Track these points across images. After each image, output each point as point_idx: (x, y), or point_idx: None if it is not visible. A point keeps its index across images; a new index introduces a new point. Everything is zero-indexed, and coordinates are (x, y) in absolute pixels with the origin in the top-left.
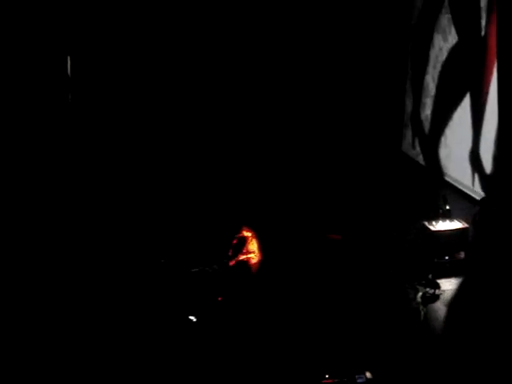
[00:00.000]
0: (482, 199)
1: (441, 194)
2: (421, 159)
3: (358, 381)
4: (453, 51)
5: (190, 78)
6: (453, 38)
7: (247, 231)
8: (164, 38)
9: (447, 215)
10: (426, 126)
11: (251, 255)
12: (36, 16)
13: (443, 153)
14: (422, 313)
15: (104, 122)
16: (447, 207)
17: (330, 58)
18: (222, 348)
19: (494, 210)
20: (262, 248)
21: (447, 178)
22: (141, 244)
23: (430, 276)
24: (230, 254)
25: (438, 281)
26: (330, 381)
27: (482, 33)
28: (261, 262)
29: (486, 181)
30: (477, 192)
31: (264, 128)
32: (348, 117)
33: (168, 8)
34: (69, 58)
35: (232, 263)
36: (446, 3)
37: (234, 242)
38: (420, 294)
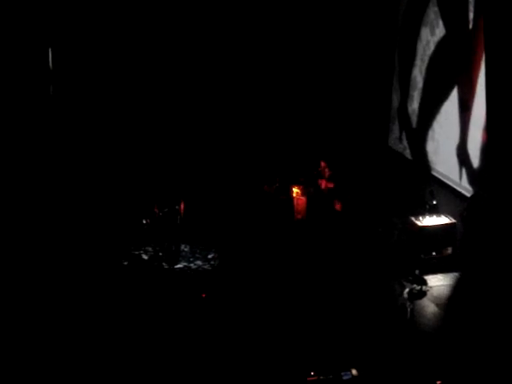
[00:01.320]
0: (471, 196)
1: (428, 189)
2: (408, 154)
3: (344, 378)
4: (440, 44)
5: (177, 68)
6: (440, 32)
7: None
8: (149, 29)
9: (434, 210)
10: (414, 119)
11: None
12: (17, 9)
13: (431, 147)
14: (409, 309)
15: (86, 114)
16: (434, 202)
17: (317, 53)
18: (209, 344)
19: (482, 205)
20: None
21: (434, 173)
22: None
23: (417, 272)
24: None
25: (425, 277)
26: (315, 378)
27: (470, 26)
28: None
29: (473, 175)
30: (464, 187)
31: (251, 123)
32: (334, 111)
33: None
34: (50, 50)
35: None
36: None
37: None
38: (407, 290)
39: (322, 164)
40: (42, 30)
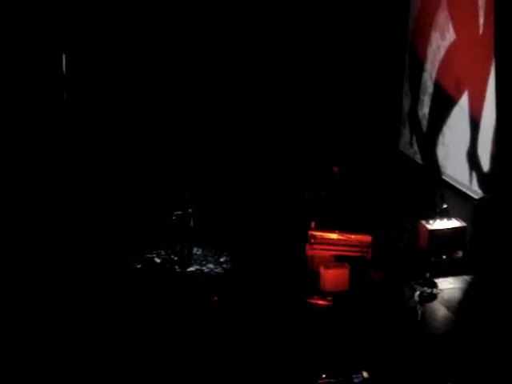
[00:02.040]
0: (481, 198)
1: (438, 193)
2: (418, 158)
3: (355, 380)
4: (450, 49)
5: (182, 80)
6: (450, 36)
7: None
8: (159, 36)
9: (445, 214)
10: (424, 124)
11: None
12: (32, 15)
13: (441, 151)
14: (420, 312)
15: (98, 119)
16: (445, 206)
17: (328, 57)
18: (221, 347)
19: (493, 210)
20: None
21: (445, 177)
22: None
23: (428, 275)
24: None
25: (436, 280)
26: (326, 380)
27: (480, 31)
28: None
29: (483, 179)
30: (474, 191)
31: (262, 126)
32: (345, 115)
33: (165, 6)
34: (64, 56)
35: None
36: (444, 1)
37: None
38: (417, 293)
39: (335, 169)
40: (57, 37)
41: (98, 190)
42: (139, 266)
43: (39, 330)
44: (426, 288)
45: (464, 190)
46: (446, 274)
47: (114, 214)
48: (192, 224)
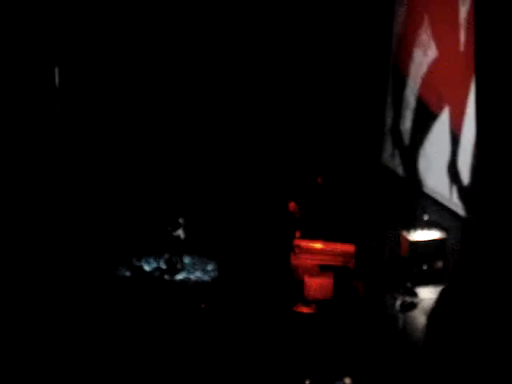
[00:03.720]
0: (468, 219)
1: (419, 205)
2: (400, 170)
3: None
4: (432, 65)
5: (183, 80)
6: (432, 53)
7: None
8: (151, 45)
9: (426, 225)
10: (406, 138)
11: None
12: (25, 25)
13: (422, 164)
14: (401, 320)
15: (91, 127)
16: (426, 217)
17: (311, 70)
18: (207, 353)
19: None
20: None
21: (425, 189)
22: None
23: (409, 285)
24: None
25: (416, 289)
26: None
27: (461, 48)
28: None
29: (463, 191)
30: (454, 203)
31: (247, 137)
32: (328, 128)
33: (159, 10)
34: (57, 68)
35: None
36: (426, 19)
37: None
38: (399, 302)
39: (319, 179)
40: (49, 48)
41: (87, 197)
42: (128, 274)
43: (23, 338)
44: (406, 297)
45: (444, 202)
46: (426, 283)
47: (103, 220)
48: (183, 234)
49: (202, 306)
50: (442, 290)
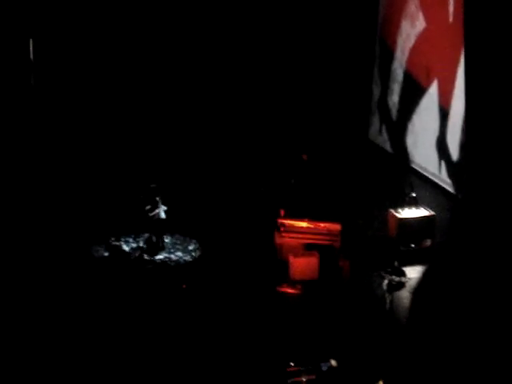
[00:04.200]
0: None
1: (407, 181)
2: (388, 146)
3: (323, 368)
4: (420, 37)
5: (152, 66)
6: (420, 24)
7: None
8: (132, 18)
9: (413, 202)
10: (394, 112)
11: None
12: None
13: (410, 140)
14: (388, 300)
15: (67, 103)
16: (413, 194)
17: (299, 46)
18: (189, 336)
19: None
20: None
21: (414, 165)
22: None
23: (396, 264)
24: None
25: (404, 268)
26: (295, 368)
27: (450, 19)
28: None
29: (452, 168)
30: (443, 179)
31: (232, 114)
32: (315, 104)
33: None
34: (31, 41)
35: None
36: None
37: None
38: (386, 281)
39: (304, 157)
40: (24, 22)
41: (65, 177)
42: (106, 254)
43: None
44: (394, 276)
45: (433, 178)
46: (414, 262)
47: (81, 201)
48: (163, 214)
49: (183, 286)
50: (428, 268)
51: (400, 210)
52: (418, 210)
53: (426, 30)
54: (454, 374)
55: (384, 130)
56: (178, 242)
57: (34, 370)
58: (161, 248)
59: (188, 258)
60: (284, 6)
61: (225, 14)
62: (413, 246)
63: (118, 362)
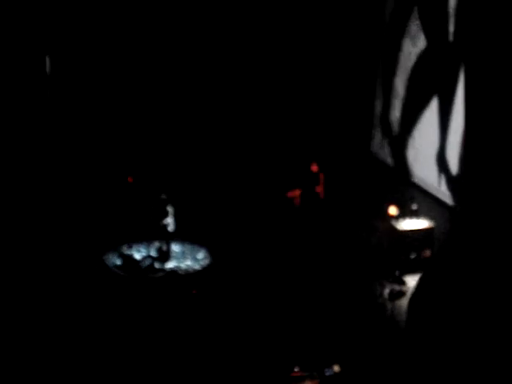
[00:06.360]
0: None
1: (408, 194)
2: (390, 160)
3: (327, 374)
4: (421, 56)
5: (172, 72)
6: (422, 43)
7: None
8: (144, 33)
9: (414, 214)
10: (395, 127)
11: None
12: (15, 15)
13: (411, 154)
14: (389, 308)
15: (83, 117)
16: (414, 207)
17: (302, 60)
18: (199, 340)
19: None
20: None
21: (414, 179)
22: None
23: (397, 273)
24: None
25: (405, 278)
26: (299, 374)
27: (450, 38)
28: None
29: (451, 181)
30: (443, 192)
31: (240, 124)
32: (318, 118)
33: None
34: (48, 57)
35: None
36: (416, 9)
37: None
38: (387, 290)
39: (314, 167)
40: (40, 36)
41: (77, 186)
42: (119, 263)
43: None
44: (395, 285)
45: (433, 192)
46: (414, 271)
47: (93, 209)
48: (172, 223)
49: (194, 292)
50: (424, 275)
51: (401, 222)
52: (418, 222)
53: (427, 49)
54: (454, 381)
55: (386, 144)
56: (188, 250)
57: (42, 373)
58: (170, 257)
59: (197, 266)
60: (288, 19)
61: (228, 20)
62: (413, 256)
63: (129, 367)
